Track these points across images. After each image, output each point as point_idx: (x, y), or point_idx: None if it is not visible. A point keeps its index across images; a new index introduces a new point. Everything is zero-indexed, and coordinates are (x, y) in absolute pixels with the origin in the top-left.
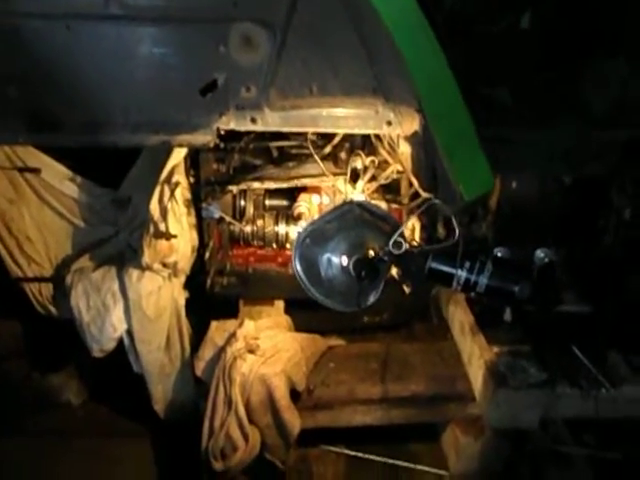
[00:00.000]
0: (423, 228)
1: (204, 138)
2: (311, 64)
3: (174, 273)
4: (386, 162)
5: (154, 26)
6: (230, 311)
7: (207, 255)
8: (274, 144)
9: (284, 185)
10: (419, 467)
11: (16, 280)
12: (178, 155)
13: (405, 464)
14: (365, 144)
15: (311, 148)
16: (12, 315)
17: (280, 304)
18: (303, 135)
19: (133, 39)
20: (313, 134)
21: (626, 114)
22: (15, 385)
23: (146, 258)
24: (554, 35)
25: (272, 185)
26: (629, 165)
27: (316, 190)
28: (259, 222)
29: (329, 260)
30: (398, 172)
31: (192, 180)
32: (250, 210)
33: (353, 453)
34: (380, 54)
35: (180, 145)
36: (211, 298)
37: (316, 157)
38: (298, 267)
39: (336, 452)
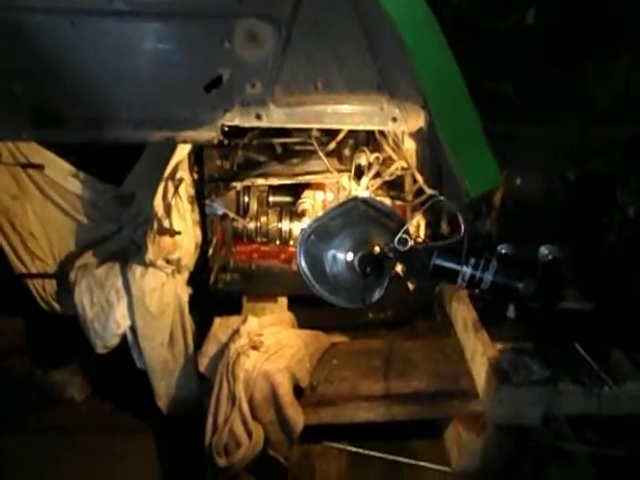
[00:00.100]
0: (428, 225)
1: (208, 134)
2: (316, 60)
3: (178, 269)
4: (390, 159)
5: (159, 22)
6: (233, 308)
7: (210, 252)
8: (278, 141)
9: (288, 181)
10: (421, 463)
11: (20, 276)
12: (182, 152)
13: (407, 460)
14: (369, 140)
15: (315, 144)
16: (15, 311)
17: (283, 301)
18: (307, 132)
19: (137, 35)
20: (317, 131)
21: (630, 110)
22: (18, 381)
23: (150, 254)
24: (558, 31)
25: (276, 181)
26: (633, 162)
27: (320, 187)
28: (262, 219)
29: (334, 257)
30: (402, 169)
31: (196, 177)
32: (254, 207)
33: (356, 450)
34: (385, 50)
35: (184, 141)
36: (214, 294)
37: (320, 153)
38: (303, 264)
39: (339, 448)
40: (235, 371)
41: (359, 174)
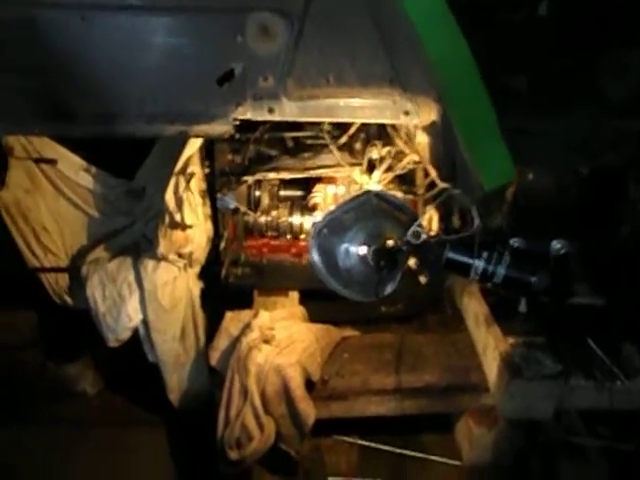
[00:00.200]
0: (441, 218)
1: (221, 128)
2: (328, 54)
3: (189, 263)
4: (402, 152)
5: (170, 16)
6: (244, 302)
7: (222, 246)
8: (289, 134)
9: (299, 175)
10: (432, 457)
11: (33, 270)
12: (193, 146)
13: (418, 454)
14: (381, 134)
15: (327, 138)
16: (29, 305)
17: (294, 295)
18: (318, 125)
19: (149, 29)
20: (328, 124)
21: None
22: (32, 375)
23: (162, 249)
24: (572, 23)
25: (287, 175)
26: None
27: (331, 180)
28: (274, 213)
29: (347, 250)
30: (414, 162)
31: (207, 171)
32: (265, 201)
33: (366, 443)
34: (398, 43)
35: (197, 135)
36: (226, 288)
37: (332, 147)
38: (316, 257)
39: (349, 442)
40: (247, 365)
41: (371, 168)
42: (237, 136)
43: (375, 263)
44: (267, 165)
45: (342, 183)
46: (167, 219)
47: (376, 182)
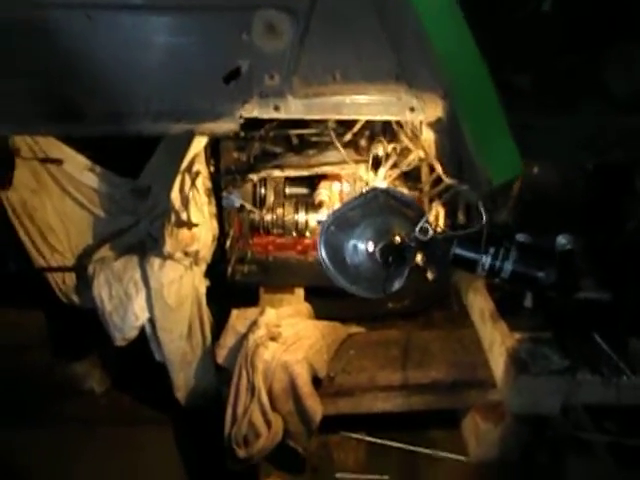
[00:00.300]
0: (448, 214)
1: (228, 126)
2: (334, 51)
3: (195, 262)
4: (407, 149)
5: (177, 14)
6: (250, 299)
7: (228, 244)
8: (294, 132)
9: (305, 173)
10: (439, 453)
11: (40, 270)
12: (198, 144)
13: (425, 450)
14: (386, 131)
15: (333, 135)
16: (36, 305)
17: (300, 292)
18: (323, 123)
19: (155, 28)
20: (333, 121)
21: None
22: (39, 374)
23: (168, 247)
24: (576, 18)
25: (292, 173)
26: None
27: (336, 178)
28: (279, 210)
29: (355, 247)
30: (420, 159)
31: (212, 169)
32: (270, 198)
33: (373, 440)
34: (404, 40)
35: (203, 133)
36: (232, 286)
37: (337, 144)
38: (323, 254)
39: (357, 439)
40: (254, 362)
41: (376, 165)
42: (242, 134)
43: (383, 259)
44: (272, 163)
45: (347, 180)
46: (173, 218)
47: (382, 179)
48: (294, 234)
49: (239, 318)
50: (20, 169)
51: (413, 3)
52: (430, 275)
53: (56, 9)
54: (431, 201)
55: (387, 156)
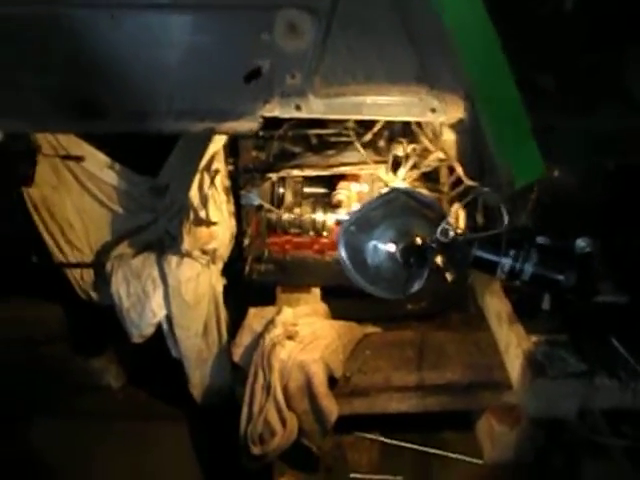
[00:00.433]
0: (469, 216)
1: (248, 125)
2: (356, 51)
3: (213, 260)
4: (427, 150)
5: (200, 14)
6: (267, 298)
7: (245, 242)
8: (313, 132)
9: (324, 173)
10: (453, 455)
11: (59, 266)
12: (217, 143)
13: (439, 452)
14: (405, 132)
15: (353, 135)
16: (56, 300)
17: (317, 291)
18: (342, 123)
19: (177, 27)
20: (353, 122)
21: None
22: (57, 368)
23: (186, 245)
24: (598, 17)
25: (312, 173)
26: None
27: (355, 178)
28: (297, 210)
29: (375, 247)
30: (439, 160)
31: (231, 168)
32: (288, 198)
33: (387, 440)
34: (426, 41)
35: (225, 132)
36: (248, 285)
37: (357, 144)
38: (343, 254)
39: (370, 439)
40: (270, 361)
41: (396, 165)
42: (261, 133)
43: (404, 260)
44: (291, 162)
45: (365, 181)
46: (191, 215)
47: (402, 179)
48: (311, 233)
49: (256, 317)
50: (41, 166)
51: (436, 3)
52: (449, 277)
53: (81, 8)
54: (451, 202)
55: (407, 157)
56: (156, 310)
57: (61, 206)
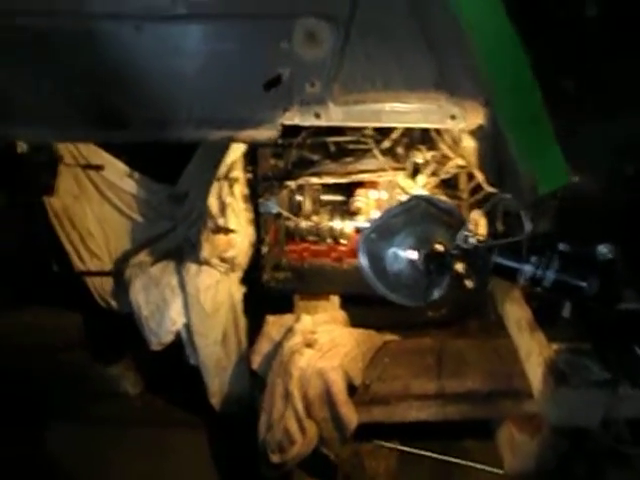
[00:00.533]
0: (489, 223)
1: (268, 133)
2: (374, 58)
3: (231, 268)
4: (446, 156)
5: (219, 24)
6: (285, 306)
7: (264, 250)
8: (331, 139)
9: (342, 180)
10: (473, 464)
11: (79, 274)
12: (236, 151)
13: (458, 461)
14: (424, 139)
15: (371, 143)
16: (75, 308)
17: (335, 299)
18: (360, 130)
19: (198, 37)
20: (371, 129)
21: None
22: (76, 375)
23: (204, 253)
24: (622, 22)
25: (330, 180)
26: None
27: (373, 185)
28: (315, 217)
29: (395, 255)
30: (459, 167)
31: (250, 176)
32: (307, 205)
33: (406, 449)
34: (445, 48)
35: (244, 141)
36: (267, 293)
37: (376, 152)
38: (363, 261)
39: (389, 448)
40: (289, 369)
41: (415, 172)
42: (280, 141)
43: (425, 268)
44: (309, 170)
45: (384, 188)
46: (210, 223)
47: (421, 186)
48: (329, 241)
49: (274, 325)
50: (63, 176)
51: (457, 6)
52: (469, 284)
53: (106, 20)
54: (470, 209)
55: (426, 164)
56: (175, 318)
57: (82, 215)
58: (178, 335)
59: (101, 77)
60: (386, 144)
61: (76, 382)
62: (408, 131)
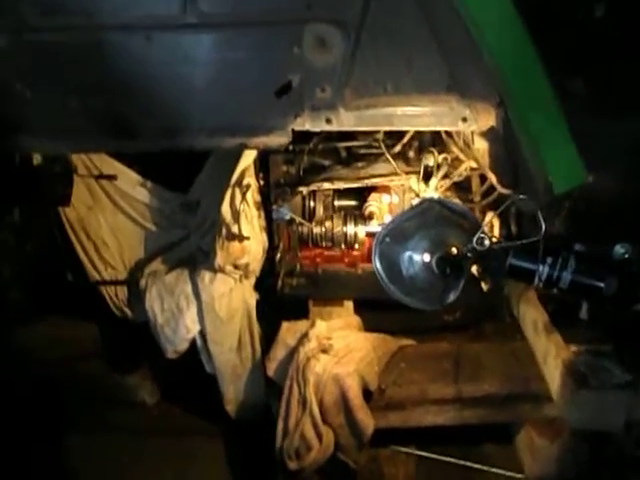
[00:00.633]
0: (503, 224)
1: (280, 140)
2: (385, 63)
3: (245, 275)
4: (457, 159)
5: (229, 32)
6: (300, 312)
7: (277, 257)
8: (342, 145)
9: (354, 185)
10: (492, 469)
11: (95, 284)
12: (248, 158)
13: (477, 466)
14: (435, 142)
15: (383, 147)
16: (91, 318)
17: (349, 304)
18: (371, 135)
19: (208, 45)
20: (382, 133)
21: None
22: (93, 385)
23: (218, 260)
24: (632, 22)
25: (342, 185)
26: None
27: (385, 189)
28: (328, 223)
29: (410, 258)
30: (471, 169)
31: (262, 182)
32: (320, 211)
33: (424, 454)
34: (454, 49)
35: (256, 147)
36: (281, 299)
37: (388, 156)
38: (378, 265)
39: (407, 453)
40: (306, 375)
41: (426, 175)
42: (291, 147)
43: (440, 271)
44: (321, 175)
45: (396, 192)
46: (224, 231)
47: (434, 189)
48: (343, 246)
49: (289, 331)
50: (77, 186)
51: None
52: (485, 286)
53: (117, 31)
54: (483, 211)
55: (438, 167)
56: (190, 326)
57: (96, 225)
58: (193, 343)
59: (113, 87)
60: (397, 148)
61: (93, 392)
62: (419, 134)
